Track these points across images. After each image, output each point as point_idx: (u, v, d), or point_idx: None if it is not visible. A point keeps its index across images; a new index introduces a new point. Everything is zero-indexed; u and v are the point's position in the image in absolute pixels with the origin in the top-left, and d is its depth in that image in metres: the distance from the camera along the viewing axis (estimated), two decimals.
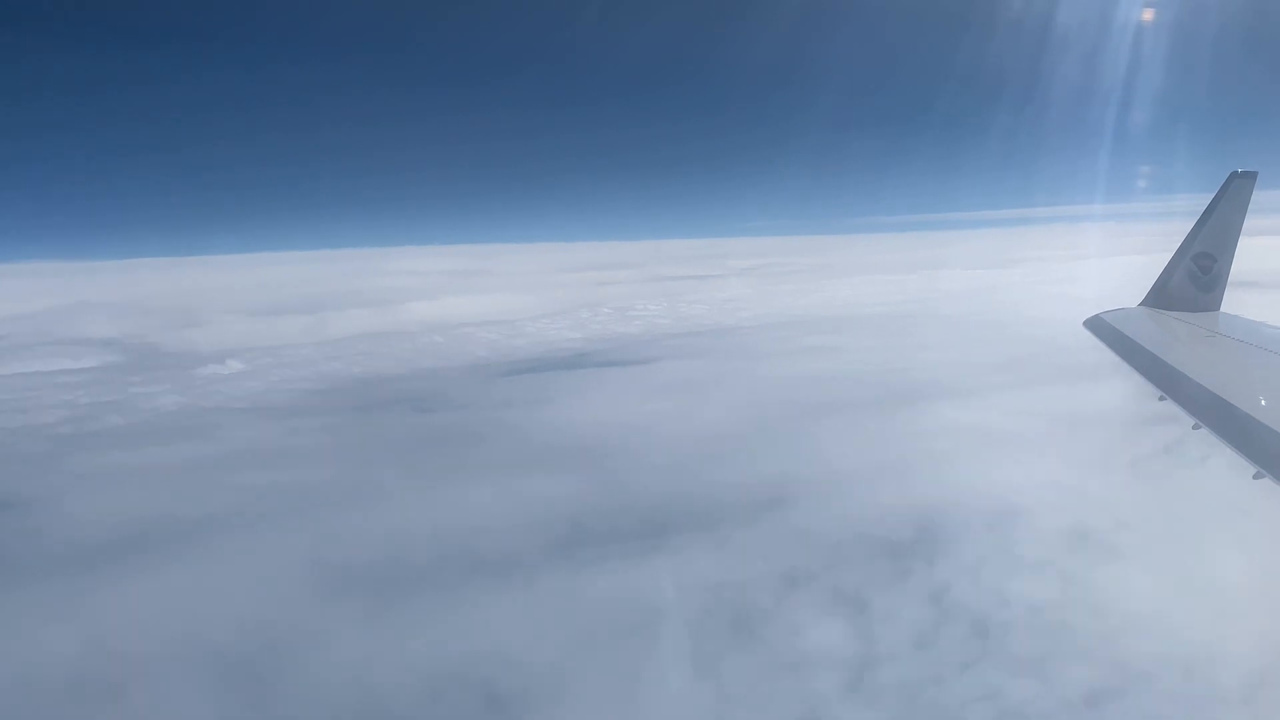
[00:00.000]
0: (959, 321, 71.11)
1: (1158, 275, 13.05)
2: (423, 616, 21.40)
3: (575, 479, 31.09)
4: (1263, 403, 8.37)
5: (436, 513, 28.82)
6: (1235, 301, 12.70)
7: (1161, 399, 9.50)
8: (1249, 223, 12.53)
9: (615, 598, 21.42)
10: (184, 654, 19.89)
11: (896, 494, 26.60)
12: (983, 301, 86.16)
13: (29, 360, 74.87)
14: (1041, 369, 40.27)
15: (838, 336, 64.11)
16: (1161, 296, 12.96)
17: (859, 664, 17.84)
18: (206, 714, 17.72)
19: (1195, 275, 12.64)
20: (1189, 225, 13.16)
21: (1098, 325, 12.53)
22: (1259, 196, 12.45)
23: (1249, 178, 12.34)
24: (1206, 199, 12.89)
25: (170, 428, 44.51)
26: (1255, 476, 7.11)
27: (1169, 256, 13.30)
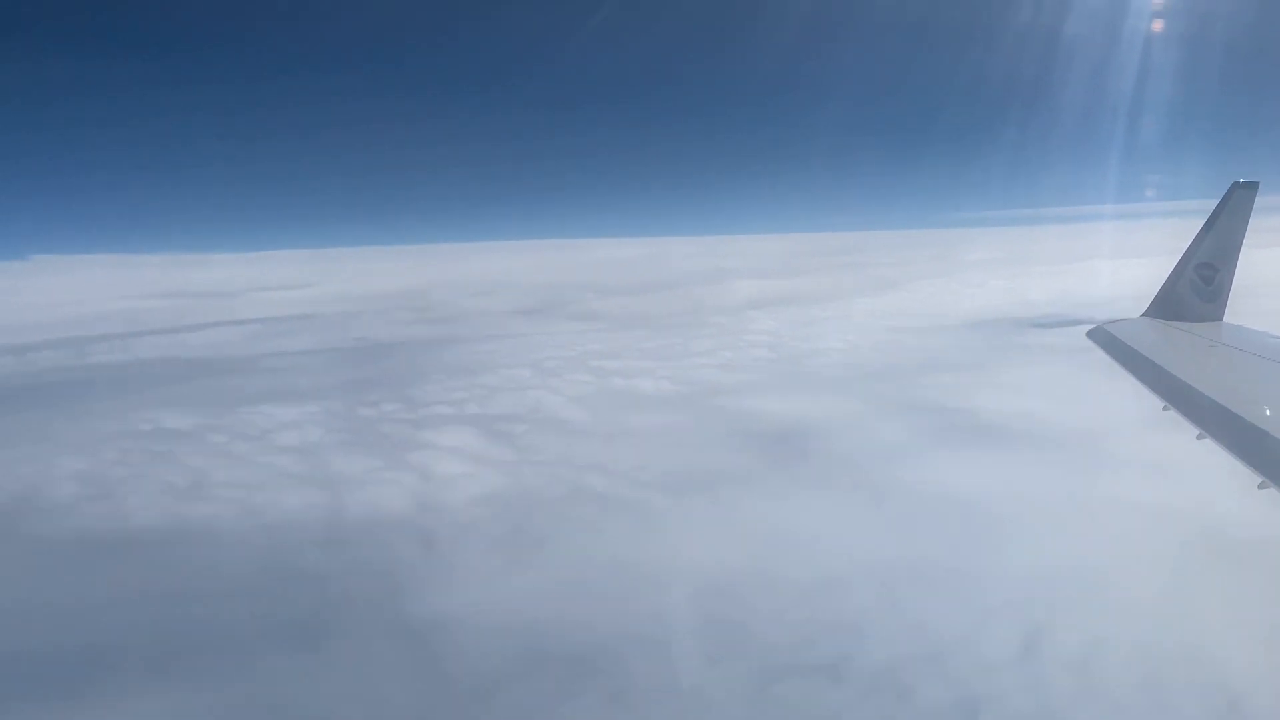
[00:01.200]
0: None
1: (1160, 285, 13.17)
2: None
3: None
4: (1267, 412, 8.30)
5: None
6: (1238, 311, 12.68)
7: (1165, 409, 9.43)
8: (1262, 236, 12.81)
9: None
10: None
11: None
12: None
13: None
14: None
15: None
16: (1164, 307, 12.97)
17: None
18: None
19: (1198, 285, 12.58)
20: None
21: (1101, 336, 12.53)
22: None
23: (1250, 188, 12.29)
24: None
25: (920, 364, 53.53)
26: (1260, 487, 7.08)
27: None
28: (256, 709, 17.30)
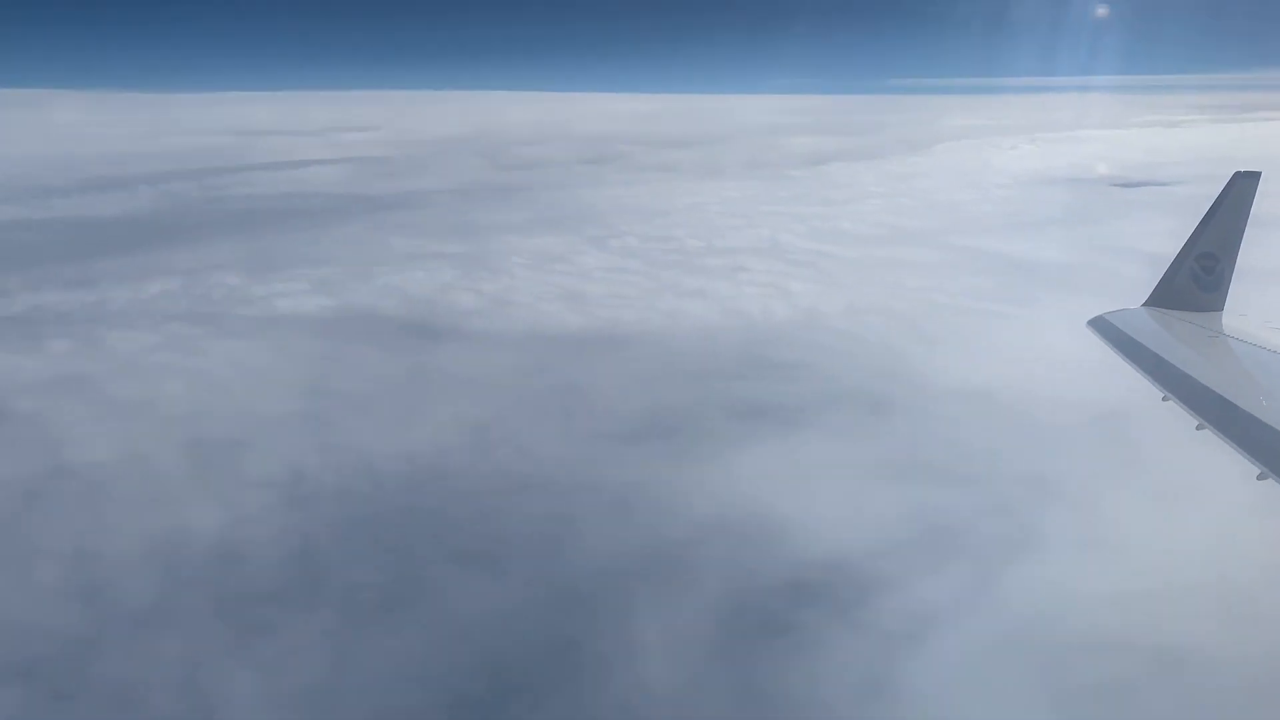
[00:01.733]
0: None
1: (1162, 275, 13.14)
2: None
3: None
4: (1266, 403, 8.44)
5: None
6: (1239, 300, 12.68)
7: (1165, 400, 9.57)
8: None
9: None
10: None
11: None
12: None
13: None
14: None
15: None
16: (1165, 297, 12.94)
17: None
18: None
19: (1199, 276, 12.60)
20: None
21: (1102, 326, 12.54)
22: None
23: (1252, 178, 12.26)
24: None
25: None
26: (1259, 477, 7.30)
27: None
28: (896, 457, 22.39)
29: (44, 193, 66.38)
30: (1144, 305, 13.20)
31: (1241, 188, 12.38)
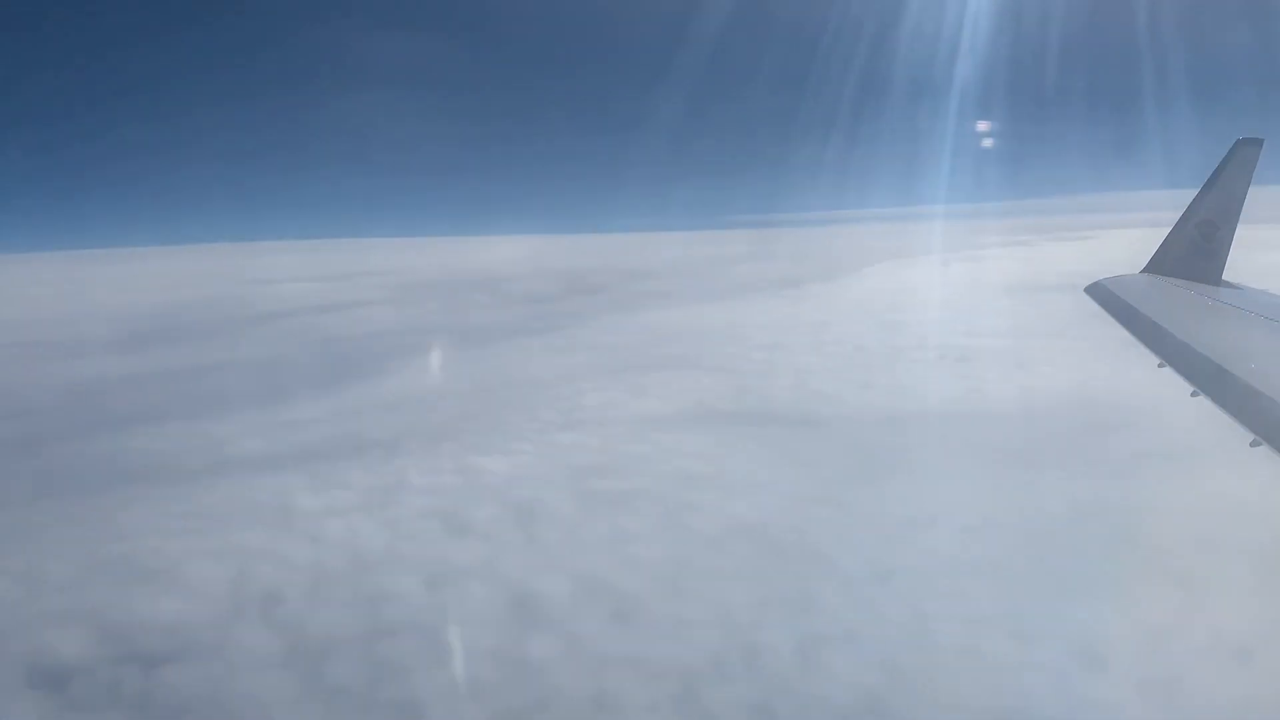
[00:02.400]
0: None
1: (1161, 242, 13.34)
2: None
3: None
4: (1261, 370, 8.46)
5: None
6: (1237, 268, 12.90)
7: (1160, 366, 9.78)
8: None
9: None
10: None
11: None
12: None
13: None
14: None
15: None
16: (1164, 263, 13.27)
17: None
18: None
19: (1198, 243, 12.81)
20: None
21: (1098, 291, 12.87)
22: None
23: (1255, 145, 12.34)
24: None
25: None
26: (1252, 444, 7.35)
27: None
28: None
29: (148, 341, 65.89)
30: (1143, 271, 13.56)
31: (1244, 155, 12.44)
